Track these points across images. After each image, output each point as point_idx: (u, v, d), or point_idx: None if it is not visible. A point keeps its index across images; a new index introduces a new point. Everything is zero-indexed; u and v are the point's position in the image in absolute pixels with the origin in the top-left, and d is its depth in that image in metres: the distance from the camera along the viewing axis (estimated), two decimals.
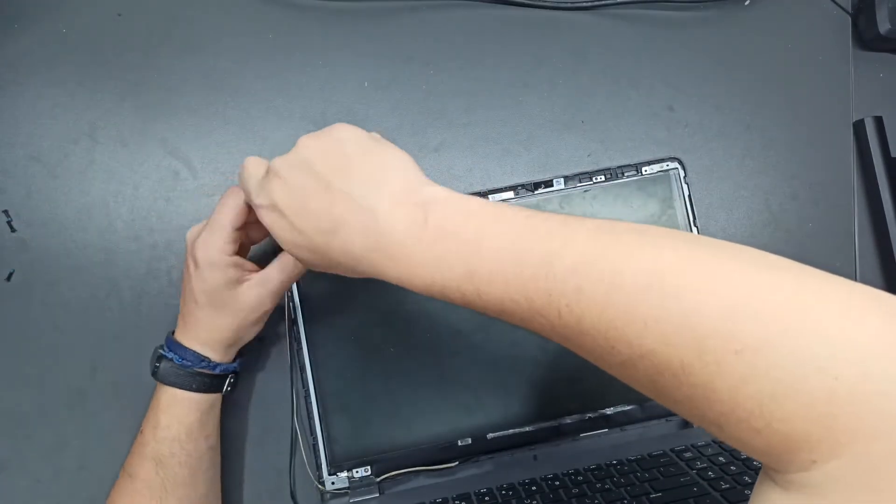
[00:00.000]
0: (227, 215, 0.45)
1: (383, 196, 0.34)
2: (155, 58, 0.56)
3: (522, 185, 0.55)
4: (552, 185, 0.55)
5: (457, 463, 0.53)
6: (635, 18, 0.59)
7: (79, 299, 0.54)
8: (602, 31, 0.59)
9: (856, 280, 0.57)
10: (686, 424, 0.54)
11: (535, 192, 0.55)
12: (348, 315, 0.53)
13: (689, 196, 0.55)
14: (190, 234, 0.48)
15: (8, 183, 0.55)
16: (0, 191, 0.55)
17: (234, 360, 0.50)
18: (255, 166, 0.41)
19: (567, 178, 0.55)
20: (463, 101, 0.57)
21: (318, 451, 0.52)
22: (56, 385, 0.53)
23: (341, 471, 0.52)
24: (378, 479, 0.52)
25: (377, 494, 0.52)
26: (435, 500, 0.48)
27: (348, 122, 0.56)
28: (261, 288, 0.47)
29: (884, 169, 0.57)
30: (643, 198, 0.55)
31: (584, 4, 0.58)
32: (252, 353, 0.54)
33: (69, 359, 0.54)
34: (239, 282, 0.46)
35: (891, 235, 0.56)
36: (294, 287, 0.53)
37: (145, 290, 0.54)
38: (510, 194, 0.55)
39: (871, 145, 0.57)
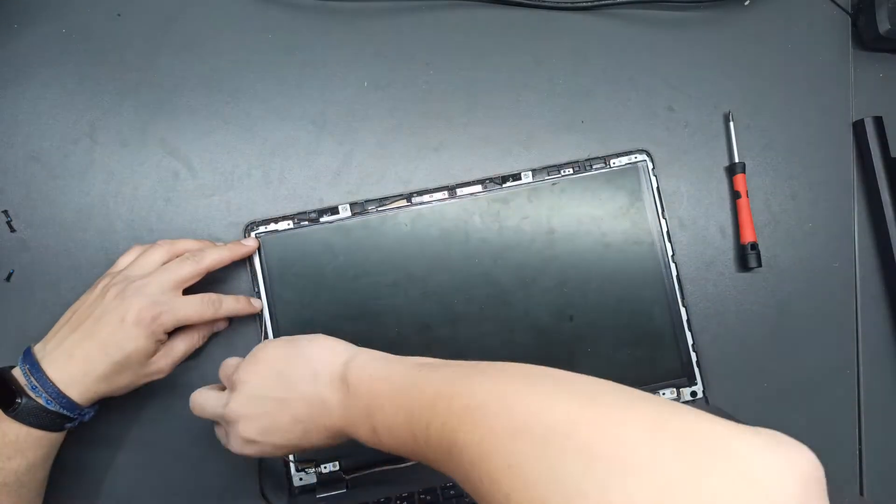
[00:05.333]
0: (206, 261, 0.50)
1: (320, 384, 0.40)
2: (155, 58, 0.56)
3: (491, 179, 0.56)
4: (520, 178, 0.55)
5: None
6: (635, 18, 0.59)
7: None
8: (602, 31, 0.59)
9: (855, 281, 0.57)
10: None
11: (504, 186, 0.55)
12: (317, 309, 0.53)
13: (658, 188, 0.56)
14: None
15: (8, 183, 0.55)
16: (0, 191, 0.55)
17: (93, 405, 0.48)
18: (217, 430, 0.46)
19: (535, 171, 0.56)
20: (463, 101, 0.57)
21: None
22: None
23: (309, 467, 0.52)
24: (347, 477, 0.52)
25: (345, 490, 0.52)
26: (401, 495, 0.49)
27: (348, 121, 0.57)
28: (166, 359, 0.50)
29: (883, 169, 0.57)
30: (611, 190, 0.55)
31: (584, 4, 0.58)
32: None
33: None
34: (156, 351, 0.49)
35: (891, 235, 0.56)
36: (261, 281, 0.53)
37: None
38: (478, 188, 0.55)
39: (870, 145, 0.57)
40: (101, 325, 0.47)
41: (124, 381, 0.48)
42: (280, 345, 0.44)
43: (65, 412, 0.46)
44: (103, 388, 0.47)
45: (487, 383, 0.32)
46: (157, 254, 0.50)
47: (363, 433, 0.38)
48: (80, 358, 0.46)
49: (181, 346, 0.51)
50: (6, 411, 0.45)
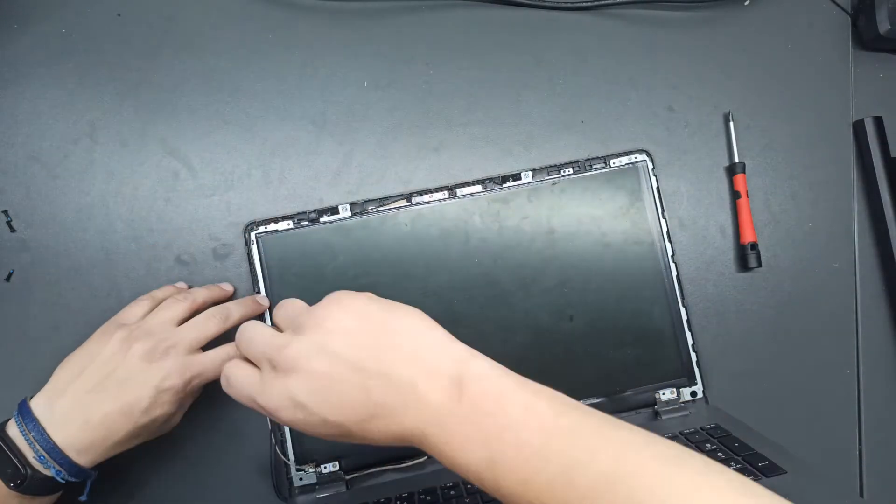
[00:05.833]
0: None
1: (420, 369, 0.32)
2: (155, 58, 0.56)
3: (490, 179, 0.55)
4: (520, 179, 0.55)
5: (425, 458, 0.53)
6: (635, 18, 0.59)
7: (79, 299, 0.54)
8: (602, 31, 0.59)
9: (855, 281, 0.57)
10: (655, 417, 0.54)
11: (504, 186, 0.55)
12: None
13: (658, 188, 0.56)
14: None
15: (8, 183, 0.55)
16: (0, 191, 0.55)
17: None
18: (243, 368, 0.36)
19: (535, 171, 0.55)
20: (463, 101, 0.57)
21: (286, 446, 0.52)
22: None
23: (310, 466, 0.52)
24: (347, 477, 0.52)
25: (345, 490, 0.52)
26: (401, 495, 0.49)
27: (348, 121, 0.56)
28: (181, 413, 0.48)
29: (883, 169, 0.57)
30: (611, 190, 0.55)
31: (584, 4, 0.58)
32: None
33: None
34: (177, 411, 0.47)
35: (891, 235, 0.56)
36: (261, 281, 0.53)
37: (144, 290, 0.54)
38: (478, 188, 0.55)
39: (870, 145, 0.57)
40: (126, 389, 0.43)
41: (138, 441, 0.46)
42: (374, 301, 0.35)
43: (75, 480, 0.43)
44: (116, 451, 0.44)
45: (681, 477, 0.27)
46: (180, 308, 0.48)
47: (465, 459, 0.31)
48: (100, 423, 0.42)
49: (189, 401, 0.49)
50: (7, 485, 0.41)
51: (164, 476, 0.53)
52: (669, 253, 0.55)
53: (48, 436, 0.41)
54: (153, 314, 0.48)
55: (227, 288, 0.53)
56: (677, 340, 0.54)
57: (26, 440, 0.41)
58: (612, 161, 0.56)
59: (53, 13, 0.56)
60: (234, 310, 0.50)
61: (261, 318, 0.53)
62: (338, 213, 0.54)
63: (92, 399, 0.42)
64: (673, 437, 0.49)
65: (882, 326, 0.57)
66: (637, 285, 0.54)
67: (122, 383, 0.43)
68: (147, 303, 0.49)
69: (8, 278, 0.54)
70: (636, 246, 0.54)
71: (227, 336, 0.48)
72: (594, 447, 0.28)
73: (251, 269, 0.54)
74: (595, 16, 0.59)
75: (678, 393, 0.54)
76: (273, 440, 0.53)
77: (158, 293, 0.51)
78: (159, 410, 0.44)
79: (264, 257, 0.53)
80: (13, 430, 0.42)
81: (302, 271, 0.53)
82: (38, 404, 0.43)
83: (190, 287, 0.54)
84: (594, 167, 0.56)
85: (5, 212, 0.55)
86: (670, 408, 0.54)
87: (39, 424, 0.41)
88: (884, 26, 0.57)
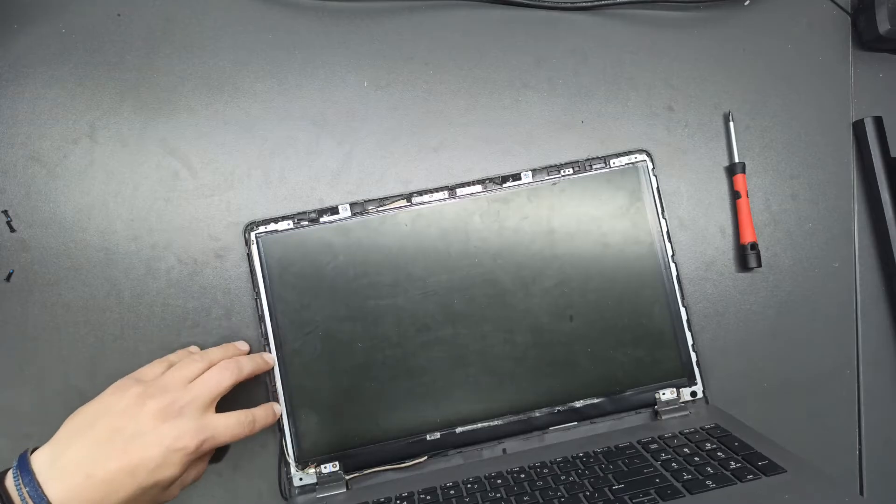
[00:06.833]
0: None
1: None
2: (155, 58, 0.56)
3: (490, 179, 0.55)
4: (520, 179, 0.55)
5: (425, 458, 0.53)
6: (635, 18, 0.59)
7: (79, 299, 0.54)
8: (602, 31, 0.59)
9: (855, 281, 0.57)
10: (655, 417, 0.54)
11: (504, 186, 0.55)
12: (317, 309, 0.53)
13: (658, 188, 0.56)
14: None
15: (8, 183, 0.55)
16: (0, 191, 0.55)
17: None
18: None
19: (535, 171, 0.55)
20: (463, 101, 0.57)
21: (287, 446, 0.52)
22: (56, 385, 0.53)
23: (309, 467, 0.52)
24: (347, 478, 0.52)
25: (344, 490, 0.52)
26: (401, 494, 0.49)
27: (348, 121, 0.56)
28: (181, 485, 0.46)
29: (883, 169, 0.57)
30: (611, 190, 0.55)
31: (584, 4, 0.58)
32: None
33: (69, 359, 0.54)
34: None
35: (890, 235, 0.56)
36: (261, 281, 0.53)
37: (144, 290, 0.54)
38: (478, 188, 0.55)
39: (870, 145, 0.57)
40: (136, 446, 0.42)
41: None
42: None
43: None
44: None
45: None
46: (197, 368, 0.47)
47: None
48: (102, 480, 0.41)
49: (192, 474, 0.48)
50: None
51: None
52: (669, 253, 0.55)
53: (42, 492, 0.40)
54: (170, 372, 0.47)
55: (243, 347, 0.53)
56: (677, 340, 0.54)
57: (20, 495, 0.40)
58: (611, 161, 0.56)
59: (53, 13, 0.56)
60: (246, 364, 0.49)
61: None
62: (338, 213, 0.54)
63: (98, 453, 0.41)
64: (673, 437, 0.49)
65: (882, 326, 0.57)
66: (637, 285, 0.54)
67: (132, 440, 0.42)
68: (165, 364, 0.49)
69: (8, 278, 0.54)
70: (636, 246, 0.54)
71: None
72: None
73: (251, 270, 0.54)
74: (595, 16, 0.59)
75: (678, 393, 0.54)
76: (282, 440, 0.53)
77: (173, 357, 0.50)
78: (166, 472, 0.42)
79: (264, 257, 0.53)
80: (10, 482, 0.41)
81: (302, 271, 0.53)
82: (40, 457, 0.42)
83: (201, 347, 0.54)
84: (594, 167, 0.56)
85: (5, 212, 0.55)
86: (670, 408, 0.54)
87: (35, 480, 0.40)
88: (884, 26, 0.57)
